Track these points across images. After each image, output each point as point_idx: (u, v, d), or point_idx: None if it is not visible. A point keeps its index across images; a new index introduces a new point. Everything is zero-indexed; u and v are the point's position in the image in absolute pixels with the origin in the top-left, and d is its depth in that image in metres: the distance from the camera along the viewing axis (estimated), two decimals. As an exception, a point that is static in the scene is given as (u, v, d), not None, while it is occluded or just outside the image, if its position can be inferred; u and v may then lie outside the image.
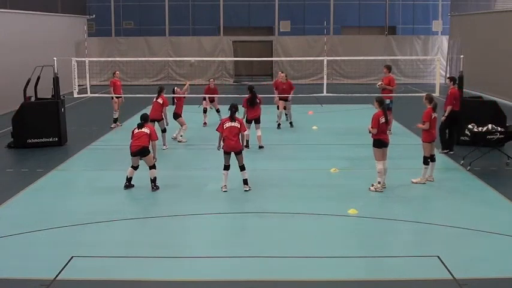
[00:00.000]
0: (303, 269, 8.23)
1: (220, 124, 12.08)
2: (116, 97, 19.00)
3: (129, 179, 12.13)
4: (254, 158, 14.79)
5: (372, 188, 11.75)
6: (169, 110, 16.31)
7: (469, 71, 22.48)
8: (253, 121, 15.77)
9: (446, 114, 14.80)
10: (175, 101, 16.70)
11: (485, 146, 13.68)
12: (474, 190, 12.07)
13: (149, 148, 12.01)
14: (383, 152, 11.78)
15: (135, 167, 12.08)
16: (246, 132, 15.04)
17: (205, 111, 19.41)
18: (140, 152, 11.90)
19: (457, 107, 14.95)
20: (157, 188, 11.99)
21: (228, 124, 11.88)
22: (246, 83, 33.55)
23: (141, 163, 12.14)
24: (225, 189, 11.80)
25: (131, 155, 12.02)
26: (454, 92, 14.99)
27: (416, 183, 12.09)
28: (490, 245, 9.03)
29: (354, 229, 9.82)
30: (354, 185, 12.25)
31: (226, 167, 11.86)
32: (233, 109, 12.09)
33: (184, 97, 17.15)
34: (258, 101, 15.92)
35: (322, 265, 8.34)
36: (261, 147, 15.66)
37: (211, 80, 20.17)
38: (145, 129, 12.05)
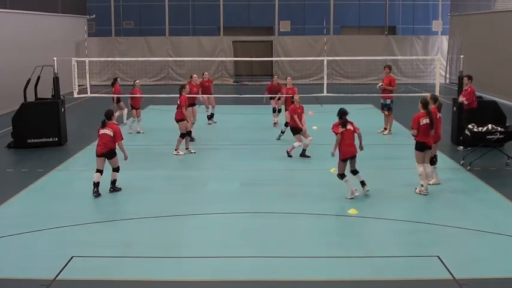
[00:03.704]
0: (303, 269, 8.22)
1: (334, 127, 11.35)
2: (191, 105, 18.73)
3: (96, 185, 11.57)
4: (254, 158, 14.79)
5: (416, 190, 11.53)
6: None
7: (469, 71, 22.41)
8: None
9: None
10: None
11: (485, 146, 13.68)
12: (474, 190, 12.06)
13: (115, 150, 11.66)
14: (424, 155, 11.49)
15: (100, 171, 11.64)
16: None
17: (274, 110, 18.97)
18: (107, 154, 11.58)
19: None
20: (117, 189, 11.74)
21: (341, 129, 11.21)
22: (246, 83, 33.62)
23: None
24: (357, 194, 11.23)
25: (97, 156, 11.65)
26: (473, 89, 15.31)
27: (432, 184, 12.02)
28: (490, 245, 9.03)
29: (354, 229, 9.82)
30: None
31: (344, 176, 11.27)
32: (343, 115, 11.32)
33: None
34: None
35: (322, 265, 8.33)
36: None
37: (275, 76, 19.51)
38: (108, 131, 11.54)
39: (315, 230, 9.74)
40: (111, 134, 11.53)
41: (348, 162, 11.27)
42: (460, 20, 31.62)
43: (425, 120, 11.32)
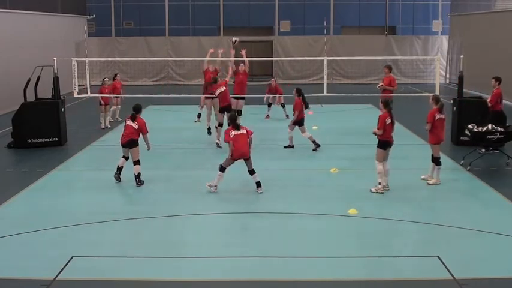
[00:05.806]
0: (303, 269, 8.22)
1: (226, 134, 11.76)
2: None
3: (119, 168, 12.51)
4: (254, 158, 14.75)
5: (373, 189, 11.68)
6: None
7: (469, 71, 22.47)
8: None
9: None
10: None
11: (485, 146, 13.68)
12: (474, 190, 12.07)
13: (138, 141, 12.30)
14: (386, 153, 11.75)
15: (126, 158, 12.49)
16: (290, 135, 15.56)
17: (269, 105, 21.02)
18: (128, 143, 12.25)
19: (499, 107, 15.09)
20: (142, 183, 12.23)
21: (233, 132, 11.63)
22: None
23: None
24: (214, 190, 11.70)
25: (122, 146, 12.44)
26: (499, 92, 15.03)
27: (433, 184, 12.05)
28: (490, 245, 9.03)
29: (354, 229, 9.82)
30: (354, 185, 12.25)
31: (224, 170, 11.76)
32: (233, 118, 11.86)
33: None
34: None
35: (322, 265, 8.33)
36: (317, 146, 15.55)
37: (273, 79, 21.75)
38: (133, 123, 12.26)
39: (315, 230, 9.74)
40: (136, 126, 12.23)
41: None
42: (460, 20, 31.62)
43: (389, 120, 11.62)
